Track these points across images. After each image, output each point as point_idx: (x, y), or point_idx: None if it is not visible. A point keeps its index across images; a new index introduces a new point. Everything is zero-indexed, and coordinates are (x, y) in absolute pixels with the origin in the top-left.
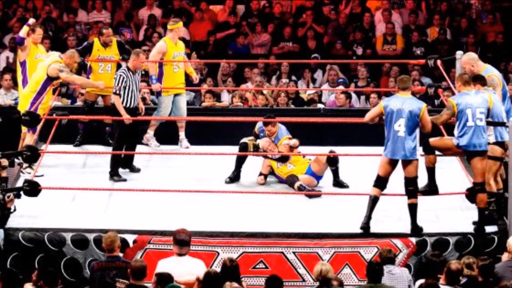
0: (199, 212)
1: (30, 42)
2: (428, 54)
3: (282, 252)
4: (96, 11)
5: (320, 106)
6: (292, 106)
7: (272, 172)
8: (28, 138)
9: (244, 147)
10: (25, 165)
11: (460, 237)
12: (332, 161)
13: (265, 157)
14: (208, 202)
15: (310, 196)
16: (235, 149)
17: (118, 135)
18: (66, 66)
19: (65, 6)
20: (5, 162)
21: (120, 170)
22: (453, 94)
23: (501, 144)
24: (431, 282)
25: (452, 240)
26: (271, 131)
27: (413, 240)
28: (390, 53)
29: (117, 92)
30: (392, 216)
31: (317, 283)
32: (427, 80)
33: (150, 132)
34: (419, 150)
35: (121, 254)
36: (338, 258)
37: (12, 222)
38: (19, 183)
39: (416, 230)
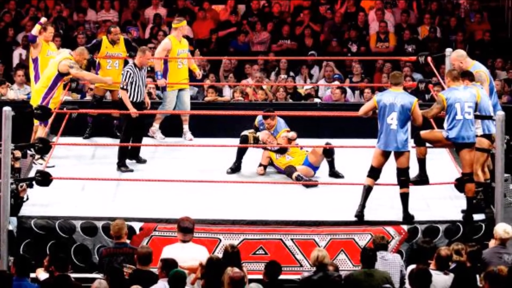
0: (202, 201)
1: (42, 40)
2: (419, 51)
3: (281, 239)
4: (105, 10)
5: (316, 100)
6: (290, 101)
7: (271, 163)
8: (40, 130)
9: (244, 139)
10: (37, 156)
11: (449, 225)
12: (328, 153)
13: (265, 148)
14: (211, 192)
15: (307, 186)
16: (236, 141)
17: (125, 128)
18: (76, 62)
19: (75, 5)
20: (18, 153)
21: (127, 161)
22: (443, 89)
23: (489, 136)
24: (422, 267)
25: (442, 227)
26: (270, 124)
27: (405, 227)
28: (383, 50)
29: (125, 87)
30: (385, 204)
31: (314, 268)
32: (418, 76)
33: (156, 125)
34: (411, 142)
35: (128, 241)
36: (334, 244)
37: (25, 210)
38: (32, 174)
39: (407, 218)
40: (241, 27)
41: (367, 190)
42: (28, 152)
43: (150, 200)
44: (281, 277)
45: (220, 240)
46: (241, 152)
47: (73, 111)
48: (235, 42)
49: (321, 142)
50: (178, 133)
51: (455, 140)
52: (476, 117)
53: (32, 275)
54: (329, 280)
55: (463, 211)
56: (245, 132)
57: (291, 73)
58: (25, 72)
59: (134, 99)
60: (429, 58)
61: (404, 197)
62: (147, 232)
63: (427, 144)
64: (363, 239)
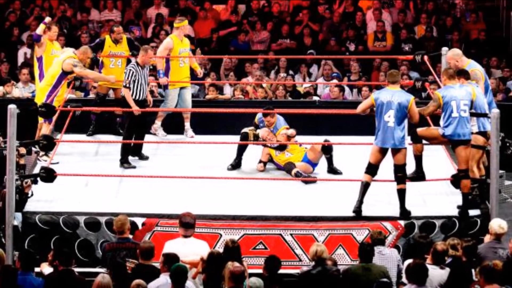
0: (203, 197)
1: (46, 39)
2: (415, 50)
3: (280, 234)
4: (108, 10)
5: (315, 98)
6: (290, 99)
7: (271, 160)
8: (44, 128)
9: (245, 137)
10: (41, 153)
11: (445, 220)
12: (327, 150)
13: (265, 145)
14: (212, 188)
15: (306, 182)
16: (236, 138)
17: (128, 125)
18: (79, 61)
19: (79, 5)
20: (23, 150)
21: (130, 157)
22: (439, 87)
23: (484, 133)
24: (419, 261)
25: (438, 222)
26: (270, 122)
27: (402, 222)
28: (380, 49)
29: (127, 85)
30: (382, 200)
31: (313, 263)
32: (414, 74)
33: (158, 123)
34: (408, 139)
35: (130, 236)
36: (332, 239)
37: (30, 206)
38: (36, 170)
39: (404, 213)
40: (242, 26)
41: (365, 186)
42: (33, 149)
43: (152, 196)
44: (281, 271)
45: (221, 235)
46: (241, 149)
47: (77, 108)
48: (235, 41)
49: (320, 139)
50: (180, 130)
51: (451, 137)
52: (472, 114)
53: (37, 269)
54: (328, 274)
55: (459, 207)
56: (245, 130)
57: (291, 72)
58: (30, 70)
59: (137, 97)
60: (425, 57)
61: (401, 193)
62: (149, 227)
63: (424, 141)
64: (361, 234)
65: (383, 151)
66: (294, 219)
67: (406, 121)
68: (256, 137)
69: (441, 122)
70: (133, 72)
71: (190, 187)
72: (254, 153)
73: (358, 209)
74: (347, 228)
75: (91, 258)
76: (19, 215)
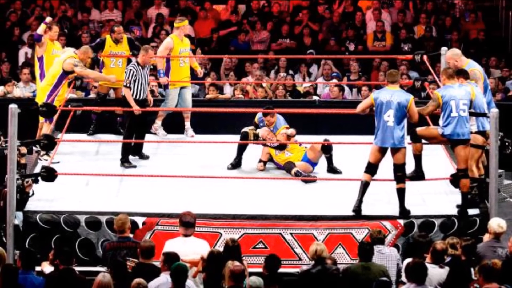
0: (203, 196)
1: (47, 39)
2: (415, 50)
3: (280, 233)
4: (108, 10)
5: (315, 98)
6: (289, 98)
7: (271, 159)
8: (45, 127)
9: (245, 136)
10: (42, 152)
11: (444, 219)
12: (326, 149)
13: (265, 145)
14: (212, 187)
15: (306, 181)
16: (236, 137)
17: (129, 125)
18: (80, 61)
19: (80, 5)
20: (24, 149)
21: (130, 157)
22: (438, 87)
23: (483, 133)
24: (418, 260)
25: (437, 222)
26: (270, 121)
27: (401, 222)
28: (380, 49)
29: (128, 85)
30: (382, 199)
31: (313, 262)
32: (414, 74)
33: (158, 122)
34: (407, 139)
35: (131, 235)
36: (332, 238)
37: (31, 205)
38: (37, 169)
39: (404, 212)
40: (242, 26)
41: (365, 186)
42: (34, 148)
43: (153, 195)
44: (281, 270)
45: (221, 234)
46: (241, 149)
47: (78, 108)
48: (235, 41)
49: (320, 138)
50: (180, 129)
51: (450, 137)
52: (471, 114)
53: (38, 268)
54: (327, 273)
55: (458, 206)
56: (245, 129)
57: (290, 71)
58: (31, 70)
59: (137, 97)
60: (425, 57)
61: (401, 192)
62: (149, 226)
63: (423, 141)
64: (360, 233)
65: (382, 151)
66: (294, 218)
67: (405, 121)
68: (256, 137)
69: (441, 122)
70: (133, 72)
71: (190, 186)
72: (254, 153)
73: (357, 208)
74: (347, 227)
75: (92, 257)
76: (20, 214)
